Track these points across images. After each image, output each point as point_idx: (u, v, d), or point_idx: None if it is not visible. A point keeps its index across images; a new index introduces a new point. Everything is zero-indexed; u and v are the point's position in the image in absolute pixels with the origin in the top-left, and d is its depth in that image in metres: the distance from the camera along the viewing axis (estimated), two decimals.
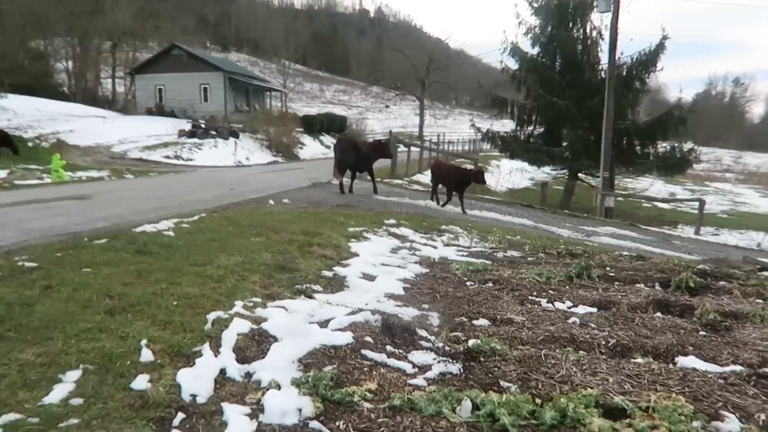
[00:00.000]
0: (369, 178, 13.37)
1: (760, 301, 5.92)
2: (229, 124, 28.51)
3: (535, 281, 6.19)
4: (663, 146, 19.35)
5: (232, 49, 79.82)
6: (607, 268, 7.19)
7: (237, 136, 26.77)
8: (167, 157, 22.46)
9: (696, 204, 22.80)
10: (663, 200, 21.13)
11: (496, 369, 3.66)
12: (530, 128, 20.85)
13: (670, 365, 3.87)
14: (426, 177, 17.86)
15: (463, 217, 10.99)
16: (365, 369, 3.52)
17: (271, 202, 9.90)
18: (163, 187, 12.10)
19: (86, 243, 5.54)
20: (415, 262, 6.71)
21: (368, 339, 3.97)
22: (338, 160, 12.69)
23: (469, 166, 14.21)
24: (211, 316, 3.97)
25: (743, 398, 3.31)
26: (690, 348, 4.22)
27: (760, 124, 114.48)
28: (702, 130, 23.09)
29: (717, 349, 4.21)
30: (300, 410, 2.97)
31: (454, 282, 5.96)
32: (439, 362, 3.71)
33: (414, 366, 3.63)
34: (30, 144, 22.82)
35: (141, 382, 3.00)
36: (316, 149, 32.88)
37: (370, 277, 5.68)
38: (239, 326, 3.89)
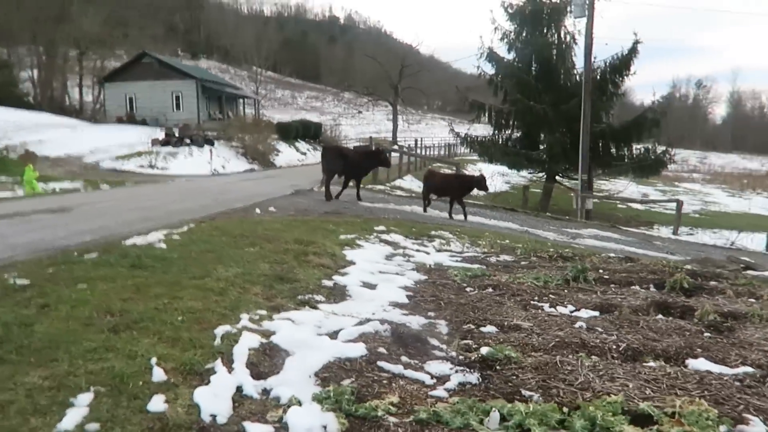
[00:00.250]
0: (353, 185, 13.28)
1: (753, 300, 6.02)
2: (204, 132, 28.12)
3: (533, 285, 6.19)
4: (637, 148, 19.73)
5: (202, 56, 78.94)
6: (601, 271, 7.23)
7: (212, 144, 26.40)
8: (141, 166, 22.02)
9: (669, 205, 23.30)
10: (642, 201, 21.53)
11: (515, 377, 3.62)
12: (507, 132, 21.06)
13: (682, 368, 3.89)
14: (407, 183, 17.87)
15: (451, 222, 10.99)
16: (384, 381, 3.44)
17: (258, 210, 9.74)
18: (144, 197, 11.82)
19: (77, 258, 5.33)
20: (412, 269, 6.65)
21: (382, 350, 3.89)
22: (327, 168, 12.56)
23: (468, 173, 14.15)
24: (219, 330, 3.84)
25: (763, 400, 3.32)
26: (698, 350, 4.24)
27: (722, 125, 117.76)
28: (667, 131, 23.75)
29: (724, 351, 4.24)
30: (325, 427, 2.88)
31: (454, 288, 5.91)
32: (456, 372, 3.66)
33: (432, 377, 3.57)
34: None
35: (157, 403, 2.87)
36: (292, 156, 32.64)
37: (370, 286, 5.60)
38: (249, 340, 3.77)
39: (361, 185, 13.65)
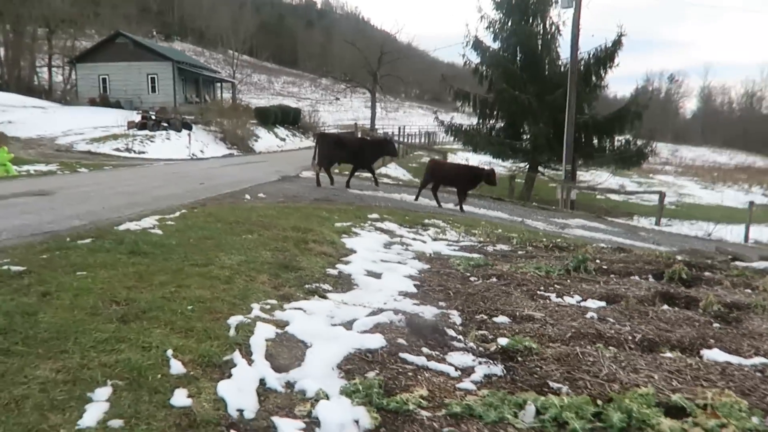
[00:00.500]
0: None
1: (749, 291, 6.07)
2: (181, 116, 27.47)
3: (536, 275, 6.15)
4: (619, 140, 19.92)
5: (176, 38, 77.16)
6: (598, 261, 7.23)
7: (190, 128, 25.82)
8: (118, 149, 21.40)
9: (645, 196, 23.67)
10: (626, 193, 21.80)
11: (538, 369, 3.56)
12: (491, 122, 21.05)
13: (702, 359, 3.87)
14: (392, 171, 17.74)
15: (443, 211, 10.91)
16: (409, 374, 3.34)
17: (248, 196, 9.52)
18: (127, 181, 11.45)
19: (70, 243, 5.10)
20: (413, 258, 6.56)
21: (402, 341, 3.79)
22: (323, 154, 12.37)
23: (474, 165, 13.95)
24: (232, 321, 3.70)
25: None
26: (711, 341, 4.24)
27: (692, 119, 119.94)
28: (640, 124, 23.99)
29: (736, 342, 4.24)
30: (357, 422, 2.78)
31: (458, 278, 5.84)
32: (480, 364, 3.58)
33: (456, 369, 3.49)
34: None
35: (181, 398, 2.73)
36: (272, 142, 32.17)
37: (375, 275, 5.49)
38: (264, 331, 3.64)
39: (346, 173, 13.45)
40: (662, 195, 15.32)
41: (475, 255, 7.08)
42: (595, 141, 19.76)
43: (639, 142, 19.74)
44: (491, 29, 20.10)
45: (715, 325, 4.67)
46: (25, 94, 35.16)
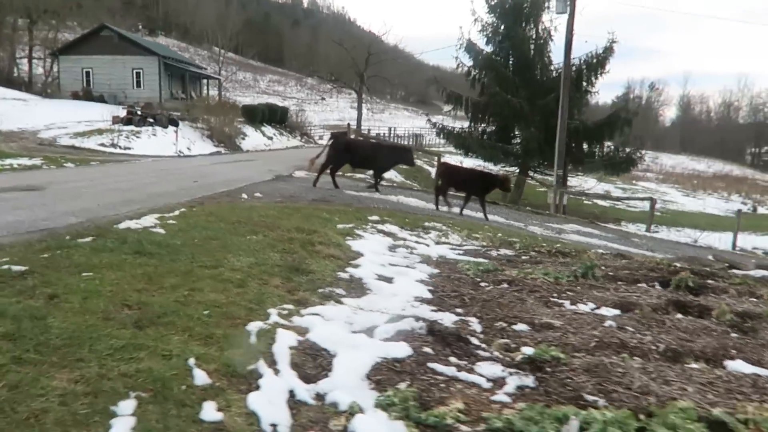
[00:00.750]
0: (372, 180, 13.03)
1: (755, 299, 6.06)
2: (167, 112, 27.03)
3: (546, 281, 6.06)
4: (608, 146, 20.04)
5: (161, 33, 76.17)
6: (603, 268, 7.18)
7: (176, 125, 25.40)
8: (103, 144, 20.94)
9: (632, 202, 23.88)
10: (615, 198, 21.93)
11: (570, 380, 3.45)
12: (483, 125, 21.04)
13: (730, 371, 3.81)
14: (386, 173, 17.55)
15: (441, 214, 10.81)
16: (441, 385, 3.22)
17: (245, 195, 9.32)
18: (117, 178, 11.15)
19: (71, 242, 4.88)
20: (420, 262, 6.44)
21: (428, 350, 3.66)
22: (331, 156, 12.38)
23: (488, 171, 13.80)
24: (252, 327, 3.54)
25: None
26: (733, 351, 4.18)
27: (671, 127, 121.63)
28: (630, 131, 24.19)
29: (757, 352, 4.19)
30: None
31: (469, 283, 5.73)
32: (511, 375, 3.46)
33: (487, 380, 3.37)
34: None
35: (210, 412, 2.57)
36: (259, 140, 31.82)
37: (386, 279, 5.36)
38: (286, 339, 3.48)
39: (338, 174, 13.29)
40: (653, 202, 15.42)
41: (482, 260, 6.98)
42: (585, 146, 19.86)
43: (627, 149, 19.90)
44: (484, 33, 20.10)
45: (733, 335, 4.61)
46: (5, 85, 34.32)
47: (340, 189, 12.31)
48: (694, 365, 3.91)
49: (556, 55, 20.51)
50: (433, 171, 27.37)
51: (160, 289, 3.92)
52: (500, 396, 3.17)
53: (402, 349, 3.59)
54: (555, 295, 5.56)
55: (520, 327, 4.48)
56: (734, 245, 14.79)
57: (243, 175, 12.83)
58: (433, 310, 4.56)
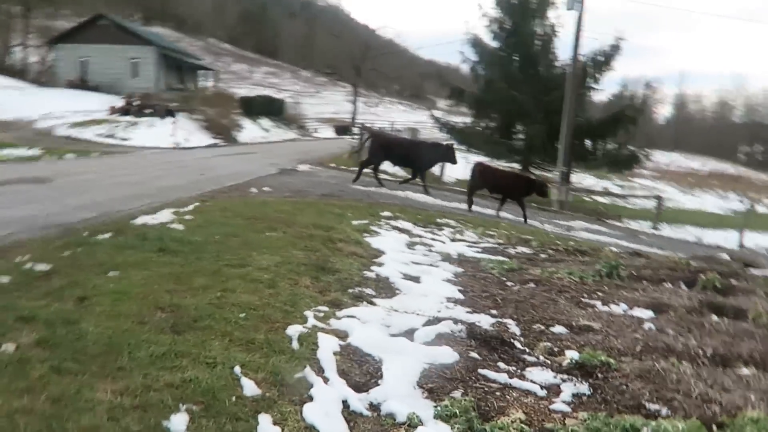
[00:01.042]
0: (419, 180, 12.98)
1: None
2: (165, 103, 26.64)
3: (572, 281, 5.93)
4: (611, 144, 19.93)
5: (156, 23, 75.26)
6: (624, 267, 7.05)
7: (173, 116, 25.04)
8: (100, 135, 20.57)
9: (632, 200, 23.79)
10: (622, 196, 21.82)
11: (624, 387, 3.31)
12: (486, 121, 20.85)
13: None
14: (386, 165, 17.36)
15: (452, 210, 10.64)
16: (497, 393, 3.07)
17: (254, 189, 9.11)
18: (123, 170, 10.89)
19: (90, 239, 4.69)
20: (441, 260, 6.28)
21: (474, 355, 3.51)
22: (372, 153, 12.53)
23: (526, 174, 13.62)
24: (291, 331, 3.37)
25: None
26: None
27: (665, 125, 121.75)
28: (636, 129, 23.99)
29: None
30: None
31: (496, 282, 5.59)
32: (564, 382, 3.32)
33: (541, 387, 3.22)
34: None
35: (267, 425, 2.42)
36: (256, 133, 31.43)
37: (413, 278, 5.20)
38: (328, 343, 3.32)
39: (342, 167, 13.12)
40: (660, 199, 15.34)
41: (503, 258, 6.84)
42: (588, 144, 19.74)
43: (630, 147, 19.79)
44: (490, 28, 19.88)
45: None
46: None
47: (344, 183, 12.10)
48: (745, 371, 3.78)
49: (561, 52, 20.37)
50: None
51: (190, 289, 3.73)
52: (559, 405, 3.03)
53: (448, 355, 3.44)
54: (585, 295, 5.44)
55: (559, 329, 4.34)
56: (741, 243, 14.73)
57: (247, 169, 12.60)
58: (468, 312, 4.41)
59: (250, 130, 31.02)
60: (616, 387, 3.31)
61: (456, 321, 4.02)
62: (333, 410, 2.65)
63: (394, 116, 72.37)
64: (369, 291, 4.59)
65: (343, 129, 37.68)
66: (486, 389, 3.08)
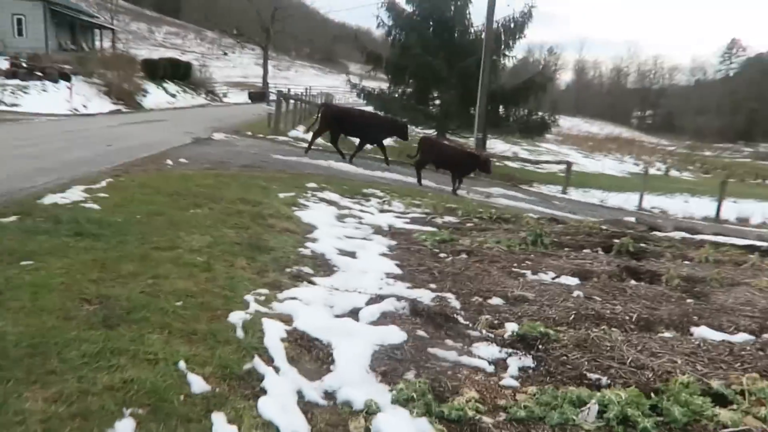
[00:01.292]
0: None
1: (687, 262, 6.43)
2: (58, 65, 24.44)
3: (501, 251, 6.08)
4: (521, 110, 20.58)
5: None
6: (545, 233, 7.33)
7: (69, 80, 23.06)
8: None
9: (539, 164, 24.87)
10: (534, 162, 22.62)
11: (565, 357, 3.44)
12: (403, 87, 20.83)
13: (695, 338, 3.97)
14: (302, 134, 17.01)
15: (374, 179, 10.60)
16: (448, 373, 3.08)
17: (170, 162, 8.58)
18: (21, 141, 9.87)
19: None
20: (374, 233, 6.25)
21: (422, 333, 3.51)
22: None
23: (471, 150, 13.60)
24: (234, 318, 3.21)
25: None
26: (695, 318, 4.36)
27: (566, 90, 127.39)
28: (544, 95, 24.95)
29: (715, 317, 4.38)
30: None
31: (430, 255, 5.63)
32: (510, 356, 3.40)
33: (489, 362, 3.27)
34: None
35: (222, 425, 2.29)
36: (161, 98, 29.72)
37: (349, 254, 5.13)
38: (274, 330, 3.20)
39: (260, 135, 12.63)
40: (569, 165, 16.12)
41: (432, 228, 6.90)
42: (501, 110, 20.28)
43: (541, 113, 20.57)
44: None
45: (689, 300, 4.82)
46: None
47: (265, 153, 11.71)
48: (667, 334, 4.04)
49: (475, 18, 20.60)
50: None
51: (118, 278, 3.45)
52: (507, 380, 3.09)
53: (396, 334, 3.42)
54: (515, 264, 5.58)
55: (496, 301, 4.44)
56: (640, 206, 15.80)
57: (159, 138, 11.86)
58: (408, 288, 4.41)
59: (156, 96, 29.29)
60: (557, 358, 3.42)
61: (399, 298, 4.00)
62: (289, 402, 2.55)
63: (306, 80, 70.77)
64: (307, 270, 4.47)
65: (259, 95, 36.30)
66: (438, 369, 3.09)
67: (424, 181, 11.63)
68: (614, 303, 4.55)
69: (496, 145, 28.69)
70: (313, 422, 2.47)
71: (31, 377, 2.35)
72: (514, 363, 3.30)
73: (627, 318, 4.24)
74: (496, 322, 4.01)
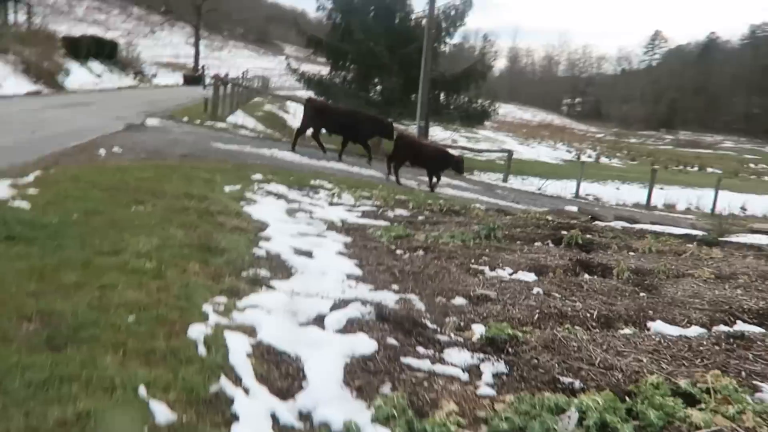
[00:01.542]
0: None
1: (632, 253, 6.63)
2: None
3: (456, 245, 6.06)
4: (462, 98, 20.75)
5: None
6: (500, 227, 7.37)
7: None
8: None
9: (474, 154, 25.24)
10: (477, 151, 22.86)
11: (536, 361, 3.41)
12: (344, 72, 20.50)
13: (653, 333, 4.05)
14: (241, 119, 16.49)
15: (319, 168, 10.36)
16: (425, 384, 2.98)
17: (102, 151, 8.02)
18: None
19: None
20: (328, 229, 6.07)
21: (392, 341, 3.39)
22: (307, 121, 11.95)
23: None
24: (194, 333, 2.98)
25: (750, 363, 3.56)
26: (650, 312, 4.45)
27: (499, 77, 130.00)
28: (484, 83, 25.36)
29: (668, 311, 4.50)
30: None
31: (387, 252, 5.52)
32: (482, 361, 3.33)
33: (463, 370, 3.20)
34: None
35: None
36: (86, 78, 28.01)
37: (305, 253, 4.93)
38: (239, 344, 2.99)
39: (197, 121, 12.09)
40: (510, 154, 16.39)
41: (385, 223, 6.79)
42: (443, 98, 20.36)
43: (481, 101, 20.82)
44: None
45: (642, 294, 4.94)
46: None
47: (203, 141, 11.21)
48: (627, 330, 4.09)
49: (416, 4, 20.51)
50: (287, 117, 26.43)
51: (60, 289, 3.13)
52: (484, 389, 3.02)
53: (366, 343, 3.28)
54: (472, 260, 5.55)
55: (459, 301, 4.38)
56: (577, 194, 16.31)
57: (88, 124, 11.10)
58: (371, 290, 4.27)
59: (79, 76, 27.58)
60: (528, 361, 3.39)
61: (364, 302, 3.86)
62: (263, 428, 2.37)
63: (240, 62, 68.87)
64: (264, 272, 4.25)
65: (194, 78, 34.68)
66: (413, 380, 2.98)
67: (370, 171, 11.50)
68: (573, 300, 4.59)
69: (436, 133, 28.90)
70: None
71: None
72: (488, 369, 3.24)
73: (588, 315, 4.28)
74: (462, 324, 3.95)
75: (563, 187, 17.31)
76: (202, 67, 29.50)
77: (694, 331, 4.15)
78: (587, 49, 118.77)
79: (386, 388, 2.86)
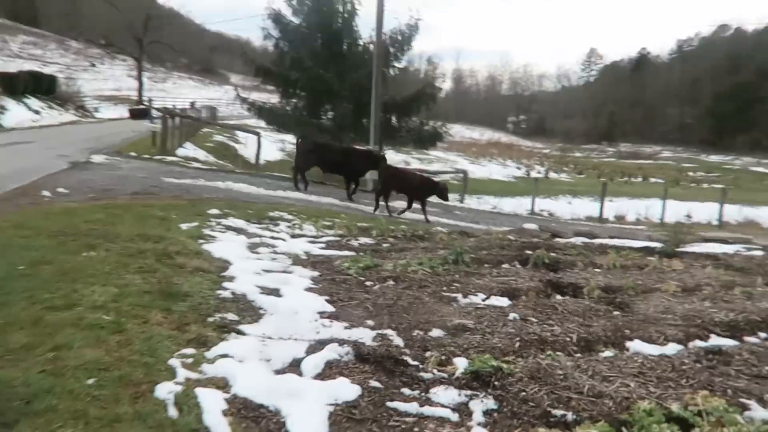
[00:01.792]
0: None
1: (598, 270, 6.69)
2: None
3: (426, 273, 5.93)
4: (414, 121, 20.91)
5: None
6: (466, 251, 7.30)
7: None
8: None
9: (432, 171, 25.43)
10: (432, 172, 22.94)
11: (524, 393, 3.29)
12: (294, 100, 20.34)
13: (628, 352, 4.04)
14: (191, 152, 16.08)
15: (276, 200, 10.11)
16: (414, 429, 2.81)
17: (47, 193, 7.56)
18: None
19: None
20: (293, 264, 5.85)
21: (375, 384, 3.21)
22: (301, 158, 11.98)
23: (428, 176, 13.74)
24: (162, 393, 2.73)
25: (734, 380, 3.55)
26: (627, 331, 4.44)
27: (446, 99, 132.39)
28: (435, 106, 25.76)
29: (644, 330, 4.50)
30: None
31: (356, 284, 5.35)
32: (471, 399, 3.18)
33: (452, 410, 3.04)
34: None
35: None
36: (24, 115, 26.85)
37: (272, 292, 4.71)
38: (212, 402, 2.76)
39: (145, 155, 11.73)
40: (465, 174, 16.51)
41: (350, 253, 6.62)
42: (394, 121, 20.47)
43: (432, 123, 21.03)
44: (291, 3, 19.27)
45: (616, 312, 4.93)
46: None
47: (153, 176, 10.82)
48: (608, 352, 4.04)
49: (362, 30, 20.65)
50: (239, 147, 26.01)
51: (7, 354, 2.83)
52: (477, 429, 2.88)
53: (348, 389, 3.09)
54: (444, 288, 5.44)
55: (437, 332, 4.24)
56: (533, 210, 16.55)
57: (30, 164, 10.53)
58: (346, 328, 4.09)
59: (16, 113, 26.47)
60: (517, 395, 3.27)
61: (340, 342, 3.66)
62: None
63: (186, 92, 67.73)
64: (232, 316, 4.01)
65: (142, 112, 33.61)
66: (403, 426, 2.81)
67: (328, 198, 11.33)
68: (551, 323, 4.52)
69: (390, 156, 29.00)
70: None
71: None
72: (477, 407, 3.10)
73: (568, 339, 4.22)
74: (444, 358, 3.79)
75: (518, 204, 17.57)
76: (149, 99, 28.79)
77: (672, 348, 4.15)
78: (528, 68, 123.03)
79: None
